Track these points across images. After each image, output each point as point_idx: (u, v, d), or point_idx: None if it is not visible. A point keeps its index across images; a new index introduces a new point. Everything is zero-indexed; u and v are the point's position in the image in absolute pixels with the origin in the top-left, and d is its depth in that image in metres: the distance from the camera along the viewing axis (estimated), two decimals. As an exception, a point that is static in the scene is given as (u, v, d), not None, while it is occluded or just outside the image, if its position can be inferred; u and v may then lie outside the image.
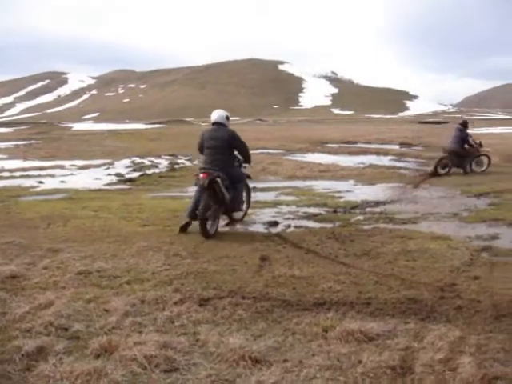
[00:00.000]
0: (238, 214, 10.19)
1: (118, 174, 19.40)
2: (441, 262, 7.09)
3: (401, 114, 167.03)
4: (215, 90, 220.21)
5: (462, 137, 18.37)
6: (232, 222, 10.11)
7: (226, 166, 9.59)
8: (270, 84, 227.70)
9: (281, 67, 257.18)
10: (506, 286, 6.06)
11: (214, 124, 10.02)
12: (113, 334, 4.59)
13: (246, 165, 10.50)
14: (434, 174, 17.76)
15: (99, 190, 15.77)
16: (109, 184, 17.16)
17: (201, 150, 10.07)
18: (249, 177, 10.80)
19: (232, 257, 7.43)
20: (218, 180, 9.25)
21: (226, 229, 9.75)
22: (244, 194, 10.36)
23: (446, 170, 18.15)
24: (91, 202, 12.80)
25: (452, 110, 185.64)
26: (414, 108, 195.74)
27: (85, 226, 9.69)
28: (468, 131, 18.92)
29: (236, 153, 10.13)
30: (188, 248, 7.92)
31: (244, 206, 10.40)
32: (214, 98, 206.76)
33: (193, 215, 9.06)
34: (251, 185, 11.51)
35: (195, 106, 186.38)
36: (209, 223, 9.03)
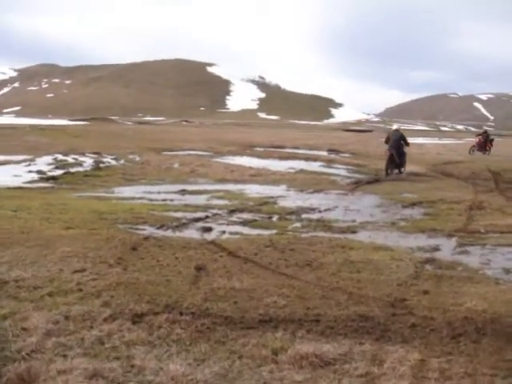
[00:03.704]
0: (403, 169, 21.41)
1: (39, 172, 18.28)
2: (386, 275, 6.79)
3: (326, 121, 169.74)
4: (141, 89, 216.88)
5: None
6: (401, 172, 21.24)
7: (398, 147, 20.98)
8: (197, 85, 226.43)
9: (209, 69, 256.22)
10: (456, 301, 5.79)
11: (394, 130, 22.18)
12: (32, 360, 3.94)
13: (406, 147, 21.61)
14: None
15: (19, 187, 14.71)
16: (29, 182, 16.09)
17: (387, 141, 21.68)
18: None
19: (165, 265, 6.85)
20: (394, 153, 20.69)
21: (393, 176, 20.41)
22: (405, 160, 21.51)
23: None
24: (9, 201, 11.83)
25: (375, 119, 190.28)
26: (339, 116, 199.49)
27: (1, 228, 8.81)
28: None
29: (402, 142, 21.36)
30: (116, 254, 7.26)
31: (404, 167, 21.55)
32: (140, 97, 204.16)
33: (387, 171, 20.70)
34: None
35: (120, 105, 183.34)
36: (389, 172, 20.71)
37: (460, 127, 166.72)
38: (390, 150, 20.90)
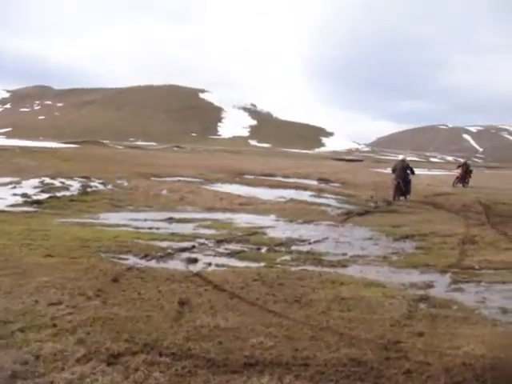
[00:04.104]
0: (408, 197, 22.80)
1: (24, 195, 17.92)
2: (379, 314, 6.47)
3: (317, 150, 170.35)
4: (133, 114, 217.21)
5: None
6: (406, 199, 22.57)
7: (404, 176, 22.76)
8: (190, 111, 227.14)
9: (201, 95, 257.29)
10: (453, 344, 5.48)
11: (401, 160, 24.04)
12: (-7, 408, 3.60)
13: (411, 175, 23.34)
14: None
15: (1, 211, 14.37)
16: (13, 205, 15.73)
17: (393, 170, 23.61)
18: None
19: (146, 299, 6.51)
20: (400, 181, 22.48)
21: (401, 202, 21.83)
22: (410, 188, 23.15)
23: None
24: (-11, 226, 11.49)
25: (365, 149, 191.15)
26: (330, 145, 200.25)
27: (-22, 254, 8.46)
28: None
29: (408, 171, 23.14)
30: (96, 286, 6.92)
31: (409, 194, 23.07)
32: (131, 121, 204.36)
33: (394, 198, 22.20)
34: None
35: (111, 129, 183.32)
36: (396, 199, 22.15)
37: (449, 158, 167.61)
38: (396, 178, 22.91)
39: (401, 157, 25.59)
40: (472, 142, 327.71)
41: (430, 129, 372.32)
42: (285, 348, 5.13)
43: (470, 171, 34.72)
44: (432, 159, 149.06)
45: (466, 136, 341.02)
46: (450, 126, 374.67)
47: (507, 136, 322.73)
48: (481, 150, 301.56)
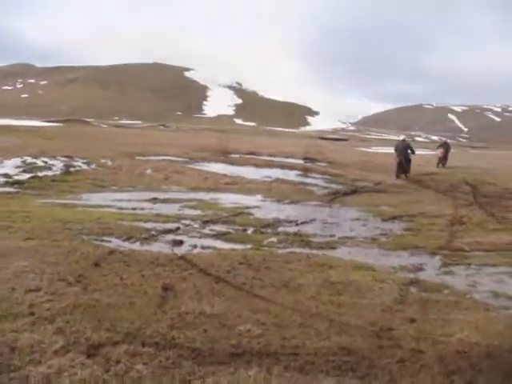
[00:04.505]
0: (408, 174, 23.95)
1: (5, 175, 17.53)
2: (369, 298, 6.30)
3: (302, 129, 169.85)
4: (118, 92, 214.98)
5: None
6: (406, 177, 23.64)
7: (405, 155, 24.23)
8: (175, 90, 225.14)
9: (186, 74, 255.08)
10: (445, 331, 5.32)
11: (402, 140, 25.62)
12: (-38, 406, 3.37)
13: (412, 154, 24.96)
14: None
15: (-20, 192, 14.02)
16: (-8, 186, 15.37)
17: (395, 149, 24.80)
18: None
19: (129, 285, 6.27)
20: (402, 159, 24.02)
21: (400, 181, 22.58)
22: (410, 166, 24.48)
23: None
24: (-32, 207, 11.17)
25: (351, 128, 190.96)
26: (315, 124, 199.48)
27: (-46, 237, 8.18)
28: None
29: (409, 151, 24.70)
30: (77, 271, 6.66)
31: (409, 172, 24.34)
32: (116, 99, 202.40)
33: (397, 174, 23.69)
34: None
35: (96, 107, 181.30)
36: (399, 176, 23.59)
37: (435, 138, 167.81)
38: (399, 156, 24.49)
39: (402, 137, 27.10)
40: (457, 122, 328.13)
41: (415, 108, 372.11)
42: (273, 336, 4.94)
43: (447, 151, 34.29)
44: (417, 138, 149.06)
45: (451, 116, 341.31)
46: (436, 105, 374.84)
47: (492, 116, 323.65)
48: (466, 129, 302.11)
